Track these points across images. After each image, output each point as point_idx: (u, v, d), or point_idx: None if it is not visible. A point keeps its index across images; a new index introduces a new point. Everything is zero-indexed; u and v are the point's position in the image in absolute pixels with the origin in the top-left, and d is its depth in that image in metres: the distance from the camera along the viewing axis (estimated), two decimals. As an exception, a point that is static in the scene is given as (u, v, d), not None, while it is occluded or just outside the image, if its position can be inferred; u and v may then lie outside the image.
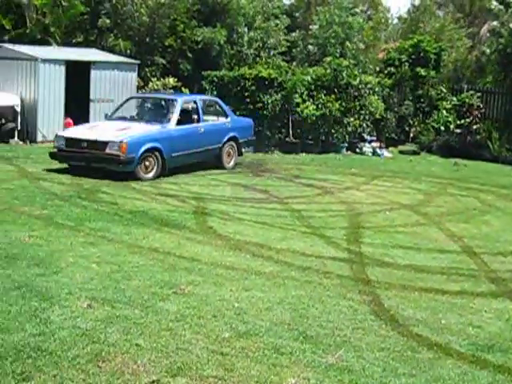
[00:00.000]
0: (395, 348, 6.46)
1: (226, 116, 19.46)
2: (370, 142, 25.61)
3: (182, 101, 18.11)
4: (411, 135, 27.52)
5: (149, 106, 19.59)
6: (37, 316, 6.25)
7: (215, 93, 24.23)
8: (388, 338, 6.75)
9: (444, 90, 27.62)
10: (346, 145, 24.81)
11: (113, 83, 24.03)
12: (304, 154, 23.19)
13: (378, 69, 28.67)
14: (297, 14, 36.19)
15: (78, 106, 22.48)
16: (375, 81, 26.11)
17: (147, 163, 16.03)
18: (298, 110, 23.84)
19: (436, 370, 6.02)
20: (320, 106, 24.02)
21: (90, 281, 7.60)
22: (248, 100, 23.37)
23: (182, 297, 7.33)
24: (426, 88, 27.44)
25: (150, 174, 16.03)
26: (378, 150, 24.99)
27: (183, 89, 28.38)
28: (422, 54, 27.48)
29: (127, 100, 19.49)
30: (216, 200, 13.98)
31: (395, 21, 40.49)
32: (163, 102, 19.12)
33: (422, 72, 27.05)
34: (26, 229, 9.94)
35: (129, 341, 5.87)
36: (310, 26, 31.42)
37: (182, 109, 17.73)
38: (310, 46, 30.40)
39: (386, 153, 25.04)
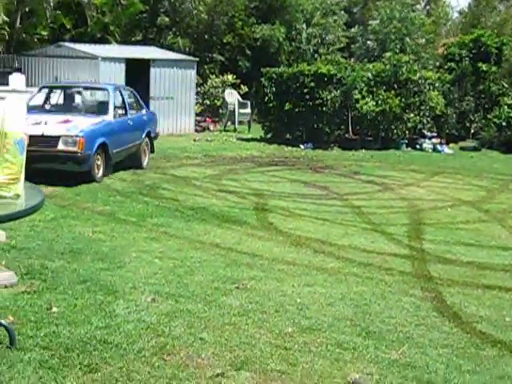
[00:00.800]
0: (459, 345, 6.39)
1: (142, 108, 17.36)
2: (430, 138, 25.35)
3: (113, 90, 15.84)
4: (472, 131, 27.18)
5: (71, 96, 17.32)
6: (102, 309, 6.33)
7: (274, 89, 24.25)
8: (451, 334, 6.68)
9: (506, 85, 27.21)
10: (406, 141, 24.60)
11: (172, 81, 24.22)
12: (363, 151, 23.06)
13: (438, 64, 28.39)
14: (355, 10, 36.05)
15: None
16: (435, 76, 25.84)
17: (98, 162, 13.91)
18: (358, 106, 23.72)
19: (500, 368, 5.93)
20: (380, 102, 23.86)
21: (153, 275, 7.67)
22: (307, 96, 23.32)
23: (245, 292, 7.36)
24: (487, 83, 27.06)
25: (99, 174, 13.96)
26: (438, 147, 24.73)
27: (242, 86, 28.51)
28: (482, 49, 27.12)
29: (40, 90, 16.75)
30: (276, 196, 13.99)
31: (455, 15, 40.01)
32: (87, 92, 17.52)
33: (483, 67, 26.70)
34: (89, 224, 10.08)
35: (193, 334, 5.91)
36: (370, 22, 31.28)
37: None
38: (369, 42, 30.28)
39: (446, 149, 24.77)
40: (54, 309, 6.22)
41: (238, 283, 7.62)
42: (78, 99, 17.21)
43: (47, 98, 16.36)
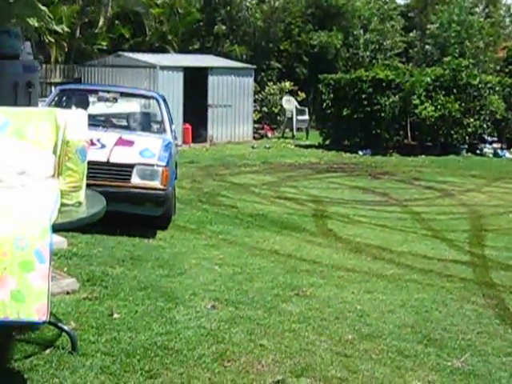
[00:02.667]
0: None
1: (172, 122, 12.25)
2: (490, 142, 25.03)
3: (163, 99, 12.19)
4: (534, 135, 26.74)
5: (106, 103, 12.70)
6: (163, 316, 6.36)
7: (331, 96, 24.20)
8: (515, 342, 6.57)
9: None
10: (466, 146, 24.30)
11: (230, 88, 24.33)
12: (423, 156, 22.84)
13: (498, 68, 28.00)
14: (412, 15, 35.77)
15: (195, 112, 22.83)
16: (495, 80, 25.50)
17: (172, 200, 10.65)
18: (417, 111, 23.51)
19: None
20: (439, 106, 23.61)
21: (213, 282, 7.69)
22: (365, 102, 23.21)
23: (304, 299, 7.33)
24: (549, 86, 26.61)
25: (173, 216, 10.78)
26: (499, 151, 24.40)
27: (299, 92, 28.51)
28: (544, 51, 26.71)
29: (58, 94, 12.06)
30: (335, 203, 13.94)
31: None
32: (133, 100, 13.66)
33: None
34: (149, 231, 10.13)
35: (253, 341, 5.90)
36: (428, 26, 31.02)
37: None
38: (427, 46, 30.00)
39: (507, 154, 24.41)
40: (115, 315, 6.27)
41: (298, 290, 7.60)
42: (101, 108, 12.82)
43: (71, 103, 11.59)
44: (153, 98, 12.56)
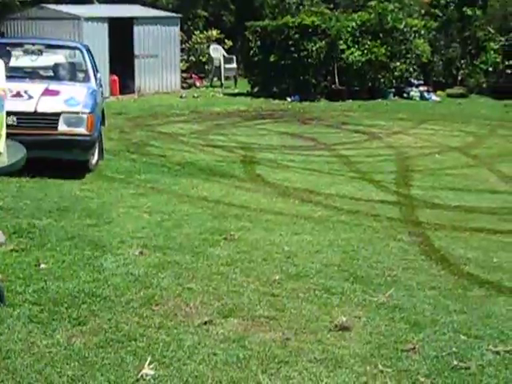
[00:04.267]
0: (446, 286, 6.44)
1: (97, 70, 13.03)
2: (417, 86, 25.29)
3: (86, 50, 12.73)
4: (459, 78, 27.10)
5: (31, 55, 12.83)
6: (90, 264, 6.34)
7: (258, 43, 24.12)
8: (439, 277, 6.73)
9: (492, 31, 27.06)
10: (393, 90, 24.54)
11: (156, 38, 24.06)
12: (351, 101, 23.00)
13: (423, 11, 28.18)
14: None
15: (123, 63, 22.53)
16: (421, 24, 25.68)
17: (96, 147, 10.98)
18: (344, 56, 23.59)
19: (487, 307, 5.97)
20: (365, 51, 23.74)
21: (141, 229, 7.68)
22: (292, 49, 23.19)
23: (233, 242, 7.38)
24: (473, 29, 26.92)
25: (94, 161, 10.95)
26: (425, 94, 24.69)
27: (226, 41, 28.34)
28: (468, -6, 26.95)
29: None
30: (263, 149, 14.00)
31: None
32: (53, 50, 13.35)
33: (469, 11, 26.53)
34: (76, 183, 10.04)
35: (180, 285, 5.93)
36: (353, -29, 30.96)
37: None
38: (353, -9, 30.00)
39: (433, 96, 24.73)
40: (43, 265, 6.24)
41: (226, 234, 7.64)
42: (34, 61, 12.88)
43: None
44: (76, 48, 12.96)
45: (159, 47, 24.14)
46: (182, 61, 26.12)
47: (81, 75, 12.16)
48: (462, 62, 26.92)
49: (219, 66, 26.83)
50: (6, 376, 4.25)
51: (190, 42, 27.67)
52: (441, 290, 6.35)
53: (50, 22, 22.62)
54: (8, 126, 7.73)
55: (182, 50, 26.51)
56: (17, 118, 9.68)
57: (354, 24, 24.04)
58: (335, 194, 10.22)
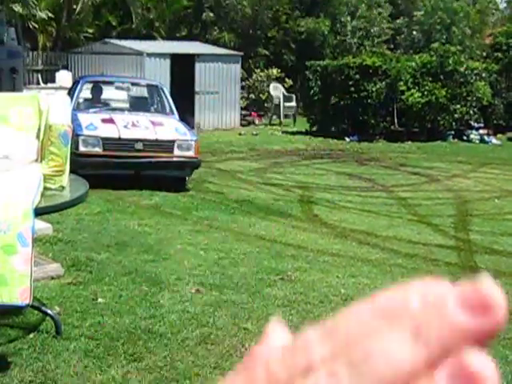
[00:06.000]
0: (506, 335, 6.31)
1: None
2: (477, 129, 25.06)
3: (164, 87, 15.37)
4: (520, 121, 26.82)
5: (123, 92, 15.65)
6: (147, 300, 6.38)
7: (319, 82, 24.20)
8: (499, 325, 6.59)
9: (554, 74, 26.79)
10: (453, 132, 24.34)
11: (217, 75, 24.28)
12: (410, 142, 22.87)
13: (484, 54, 28.05)
14: (399, 1, 35.75)
15: (183, 99, 22.78)
16: (482, 66, 25.53)
17: None
18: (403, 97, 23.54)
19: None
20: (426, 93, 23.65)
21: (198, 267, 7.71)
22: (352, 89, 23.22)
23: (289, 283, 7.36)
24: (536, 73, 26.67)
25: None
26: (485, 137, 24.43)
27: (287, 79, 28.51)
28: (530, 38, 26.73)
29: (82, 84, 14.57)
30: (321, 189, 13.96)
31: (503, 5, 39.50)
32: (141, 88, 16.07)
33: (531, 55, 26.33)
34: (135, 217, 10.15)
35: (236, 324, 5.93)
36: (415, 13, 31.02)
37: None
38: (414, 33, 30.01)
39: (494, 140, 24.46)
40: (100, 299, 6.29)
41: (283, 274, 7.62)
42: (121, 95, 15.57)
43: (95, 94, 14.57)
44: (157, 86, 15.27)
45: (220, 84, 24.35)
46: (241, 98, 26.31)
47: (166, 109, 14.26)
48: (524, 105, 26.64)
49: (279, 104, 26.95)
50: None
51: (250, 80, 27.89)
52: (500, 338, 6.21)
53: (113, 56, 23.04)
54: (136, 150, 11.80)
55: (243, 88, 26.73)
56: (143, 144, 12.32)
57: (414, 65, 23.99)
58: (393, 236, 10.12)
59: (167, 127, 13.03)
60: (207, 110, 24.11)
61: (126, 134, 12.43)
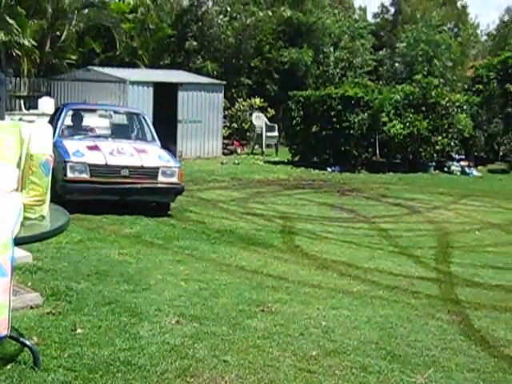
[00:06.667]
0: (485, 369, 6.30)
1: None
2: (458, 160, 25.26)
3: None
4: (501, 154, 27.04)
5: (106, 120, 16.24)
6: (126, 331, 6.33)
7: (301, 113, 24.31)
8: (478, 358, 6.58)
9: (534, 108, 27.06)
10: (434, 164, 24.51)
11: (199, 104, 24.35)
12: (391, 174, 22.99)
13: (466, 86, 28.32)
14: (382, 33, 36.09)
15: (165, 127, 22.77)
16: (463, 99, 25.77)
17: None
18: (385, 128, 23.68)
19: (528, 393, 5.84)
20: (407, 124, 23.82)
21: (178, 298, 7.66)
22: (334, 119, 23.33)
23: (269, 315, 7.33)
24: (516, 105, 26.94)
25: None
26: (466, 169, 24.62)
27: (269, 109, 28.61)
28: (510, 71, 26.99)
29: (66, 111, 14.76)
30: (303, 219, 13.96)
31: (484, 38, 39.95)
32: (123, 116, 16.49)
33: (511, 88, 26.56)
34: (115, 246, 10.11)
35: (216, 357, 5.89)
36: (397, 44, 31.29)
37: None
38: (396, 64, 30.26)
39: (474, 172, 24.64)
40: (79, 330, 6.23)
41: (263, 306, 7.59)
42: (104, 123, 16.11)
43: (78, 121, 14.86)
44: (138, 114, 15.68)
45: (202, 113, 24.41)
46: (224, 127, 26.38)
47: (148, 136, 14.64)
48: (504, 137, 26.87)
49: (261, 134, 27.03)
50: None
51: (233, 109, 27.98)
52: (480, 372, 6.21)
53: (96, 84, 23.07)
54: (122, 176, 12.18)
55: (225, 117, 26.80)
56: (129, 171, 12.64)
57: (397, 97, 24.16)
58: (374, 268, 10.12)
59: (151, 154, 13.33)
60: (189, 139, 24.15)
61: (113, 161, 12.71)
